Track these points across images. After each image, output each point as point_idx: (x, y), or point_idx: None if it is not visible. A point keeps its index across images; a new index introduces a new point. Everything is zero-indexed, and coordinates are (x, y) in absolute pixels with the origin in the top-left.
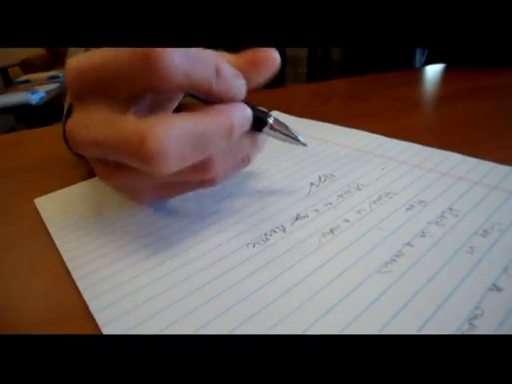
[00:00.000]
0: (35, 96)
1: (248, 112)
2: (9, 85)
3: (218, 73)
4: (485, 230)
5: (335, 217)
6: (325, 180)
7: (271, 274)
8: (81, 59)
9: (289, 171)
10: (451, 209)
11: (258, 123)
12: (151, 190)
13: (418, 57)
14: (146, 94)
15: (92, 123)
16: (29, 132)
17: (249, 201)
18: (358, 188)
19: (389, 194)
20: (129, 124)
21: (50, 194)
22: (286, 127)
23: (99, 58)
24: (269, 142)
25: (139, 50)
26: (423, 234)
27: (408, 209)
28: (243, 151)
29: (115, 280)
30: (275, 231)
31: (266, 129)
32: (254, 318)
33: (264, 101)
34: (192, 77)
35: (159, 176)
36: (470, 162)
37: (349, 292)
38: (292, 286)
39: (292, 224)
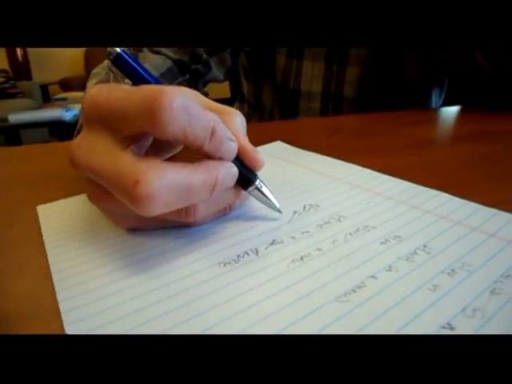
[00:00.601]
0: (69, 113)
1: (234, 171)
2: (47, 101)
3: (212, 133)
4: (453, 269)
5: (309, 245)
6: (309, 209)
7: (235, 292)
8: (100, 91)
9: (276, 199)
10: (425, 246)
11: (245, 182)
12: (133, 219)
13: (435, 98)
14: (149, 136)
15: (94, 151)
16: (56, 144)
17: (229, 224)
18: (339, 219)
19: (367, 227)
20: (126, 163)
21: (53, 203)
22: (269, 191)
23: (114, 95)
24: (265, 169)
25: (148, 96)
26: (390, 269)
27: (382, 243)
28: (226, 201)
29: (89, 289)
30: (248, 253)
31: (251, 189)
32: (208, 331)
33: (273, 130)
34: (188, 134)
35: (150, 215)
36: (457, 202)
37: (302, 317)
38: (250, 306)
39: (266, 248)
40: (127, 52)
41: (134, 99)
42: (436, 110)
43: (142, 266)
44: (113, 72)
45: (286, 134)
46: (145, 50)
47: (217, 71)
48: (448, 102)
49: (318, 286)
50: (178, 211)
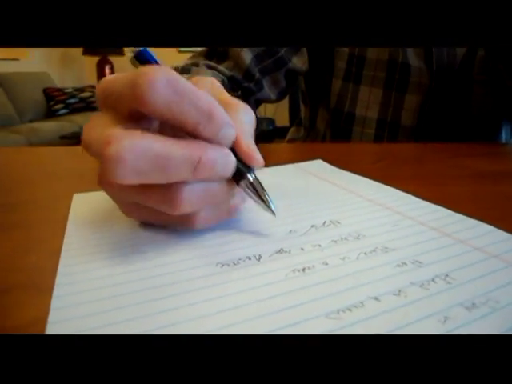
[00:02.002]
0: None
1: (230, 159)
2: None
3: (210, 117)
4: (473, 304)
5: (316, 258)
6: (329, 225)
7: (224, 291)
8: (106, 78)
9: (298, 211)
10: (447, 275)
11: (237, 175)
12: (126, 205)
13: (506, 134)
14: (150, 118)
15: (93, 128)
16: None
17: (240, 227)
18: (358, 237)
19: (386, 248)
20: (109, 131)
21: (89, 193)
22: (263, 190)
23: (113, 79)
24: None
25: (135, 73)
26: (398, 293)
27: (398, 265)
28: (223, 198)
29: (84, 272)
30: (250, 258)
31: (242, 183)
32: (182, 325)
33: (318, 150)
34: (174, 111)
35: (118, 183)
36: (499, 234)
37: (283, 326)
38: (234, 307)
39: (270, 256)
40: (148, 51)
41: (124, 78)
42: (500, 145)
43: (142, 256)
44: (135, 66)
45: (330, 154)
46: (201, 64)
47: (269, 91)
48: None
49: (310, 299)
50: (162, 195)
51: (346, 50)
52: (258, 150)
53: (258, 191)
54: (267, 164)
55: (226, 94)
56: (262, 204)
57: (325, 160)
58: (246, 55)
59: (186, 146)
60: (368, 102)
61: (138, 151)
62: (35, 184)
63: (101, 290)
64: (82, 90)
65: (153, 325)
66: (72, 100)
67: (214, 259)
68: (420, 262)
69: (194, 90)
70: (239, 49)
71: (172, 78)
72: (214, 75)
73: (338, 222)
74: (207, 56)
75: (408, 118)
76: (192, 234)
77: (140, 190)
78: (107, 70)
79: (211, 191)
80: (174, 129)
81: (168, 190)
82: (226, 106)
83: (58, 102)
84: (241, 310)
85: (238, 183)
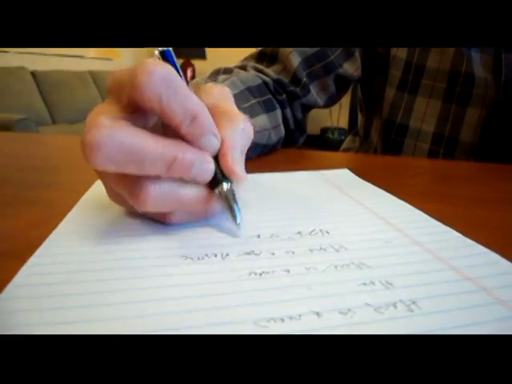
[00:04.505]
0: None
1: (208, 166)
2: None
3: (193, 119)
4: None
5: (281, 264)
6: (316, 233)
7: (170, 282)
8: (118, 69)
9: (292, 216)
10: (414, 302)
11: (213, 182)
12: (108, 190)
13: None
14: (151, 114)
15: (92, 113)
16: None
17: (223, 226)
18: (338, 250)
19: (362, 264)
20: (96, 118)
21: None
22: (234, 201)
23: (122, 70)
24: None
25: (138, 64)
26: (346, 312)
27: (364, 284)
28: (195, 203)
29: (58, 254)
30: (216, 255)
31: (216, 190)
32: (124, 306)
33: (354, 159)
34: (164, 105)
35: (95, 167)
36: (504, 265)
37: (205, 325)
38: (171, 298)
39: (237, 256)
40: (170, 52)
41: (128, 69)
42: None
43: (113, 242)
44: None
45: (365, 165)
46: (249, 67)
47: (316, 96)
48: None
49: (247, 303)
50: (131, 186)
51: (403, 56)
52: (242, 165)
53: (228, 201)
54: (296, 168)
55: (232, 105)
56: (229, 214)
57: (351, 170)
58: (295, 58)
59: (167, 144)
60: (424, 114)
61: (114, 141)
62: (68, 168)
63: (66, 272)
64: None
65: (100, 301)
66: None
67: (181, 252)
68: (390, 284)
69: (186, 92)
70: (288, 51)
71: (168, 74)
72: (250, 75)
73: (327, 232)
74: (258, 58)
75: (468, 134)
76: (172, 226)
77: (115, 178)
78: (189, 72)
79: (183, 194)
80: (166, 128)
81: (136, 185)
82: (223, 115)
83: None
84: (177, 302)
85: (212, 188)
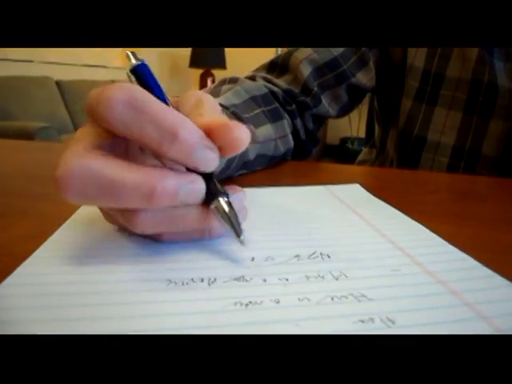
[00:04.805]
0: None
1: (197, 187)
2: None
3: (174, 138)
4: None
5: (270, 293)
6: (315, 257)
7: (150, 311)
8: (93, 90)
9: (290, 237)
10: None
11: (209, 197)
12: (101, 211)
13: None
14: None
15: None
16: None
17: (214, 248)
18: (337, 278)
19: (363, 296)
20: (67, 150)
21: None
22: (235, 216)
23: (95, 90)
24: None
25: (100, 88)
26: None
27: (361, 321)
28: (191, 222)
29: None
30: (202, 280)
31: (213, 205)
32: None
33: (367, 174)
34: (133, 130)
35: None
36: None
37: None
38: (153, 330)
39: (225, 282)
40: (146, 66)
41: (96, 93)
42: None
43: (97, 261)
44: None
45: (379, 180)
46: (258, 77)
47: (328, 106)
48: None
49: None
50: (123, 215)
51: (421, 65)
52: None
53: (228, 216)
54: (304, 182)
55: (217, 112)
56: (231, 231)
57: (362, 185)
58: (305, 68)
59: (144, 173)
60: (443, 126)
61: (84, 175)
62: None
63: (46, 286)
64: None
65: (70, 329)
66: None
67: (166, 275)
68: (392, 322)
69: (158, 109)
70: (299, 61)
71: (132, 96)
72: (255, 85)
73: (328, 256)
74: (269, 69)
75: (491, 147)
76: (162, 245)
77: None
78: (209, 82)
79: (176, 215)
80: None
81: (129, 209)
82: (200, 106)
83: None
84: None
85: (207, 204)
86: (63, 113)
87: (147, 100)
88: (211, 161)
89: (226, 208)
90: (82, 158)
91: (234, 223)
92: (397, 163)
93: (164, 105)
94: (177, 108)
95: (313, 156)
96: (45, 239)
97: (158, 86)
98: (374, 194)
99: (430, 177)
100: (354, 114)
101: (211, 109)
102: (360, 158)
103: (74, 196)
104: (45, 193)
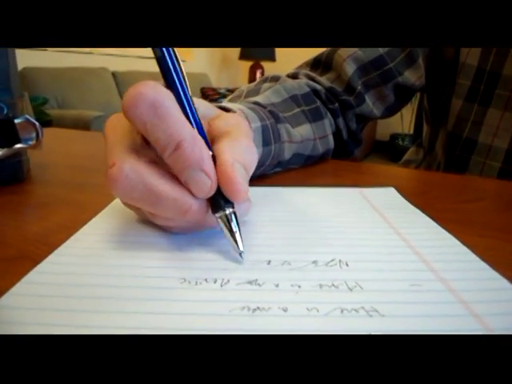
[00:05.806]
0: None
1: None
2: None
3: (176, 147)
4: None
5: (280, 300)
6: (333, 265)
7: (160, 309)
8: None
9: (310, 242)
10: None
11: (214, 205)
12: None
13: None
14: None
15: (114, 127)
16: None
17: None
18: (352, 289)
19: (374, 311)
20: (119, 148)
21: None
22: (237, 228)
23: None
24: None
25: (131, 89)
26: None
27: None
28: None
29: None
30: (215, 281)
31: (217, 215)
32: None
33: (407, 177)
34: (148, 131)
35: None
36: None
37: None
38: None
39: (238, 284)
40: (172, 54)
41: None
42: None
43: (119, 255)
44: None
45: (420, 183)
46: (301, 74)
47: (372, 106)
48: None
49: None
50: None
51: (474, 63)
52: (245, 184)
53: (231, 227)
54: (339, 182)
55: (243, 131)
56: (231, 242)
57: (407, 188)
58: (349, 66)
59: (182, 190)
60: (497, 129)
61: (132, 181)
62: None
63: (67, 276)
64: (232, 91)
65: (83, 321)
66: (222, 99)
67: (181, 273)
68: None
69: (174, 118)
70: (343, 59)
71: (158, 100)
72: (296, 83)
73: (347, 265)
74: (312, 66)
75: None
76: (183, 242)
77: None
78: (258, 73)
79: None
80: None
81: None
82: (224, 135)
83: (211, 100)
84: (157, 331)
85: (213, 212)
86: (117, 103)
87: (169, 107)
88: (202, 184)
89: (231, 220)
90: (133, 167)
91: (235, 237)
92: (444, 166)
93: (183, 116)
94: (208, 124)
95: (360, 153)
96: (77, 230)
97: (179, 75)
98: (409, 200)
99: (476, 183)
100: (407, 110)
101: (231, 148)
102: (406, 157)
103: (123, 196)
104: (84, 183)
